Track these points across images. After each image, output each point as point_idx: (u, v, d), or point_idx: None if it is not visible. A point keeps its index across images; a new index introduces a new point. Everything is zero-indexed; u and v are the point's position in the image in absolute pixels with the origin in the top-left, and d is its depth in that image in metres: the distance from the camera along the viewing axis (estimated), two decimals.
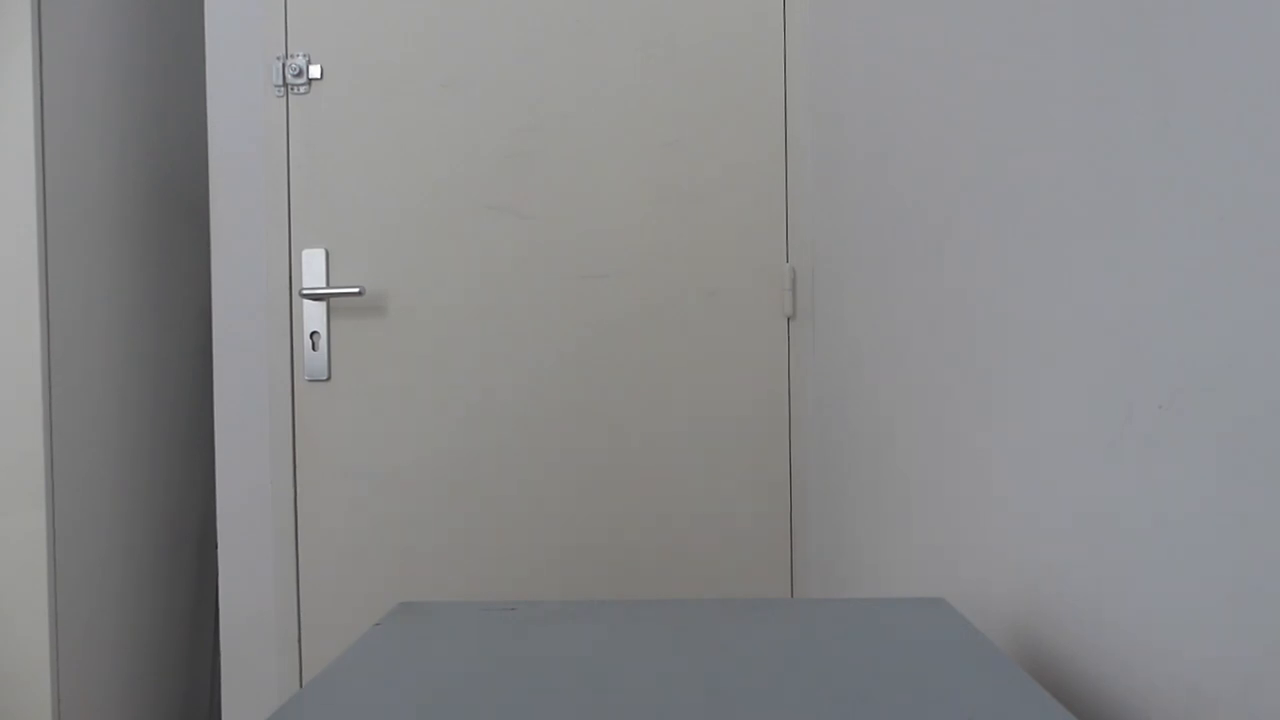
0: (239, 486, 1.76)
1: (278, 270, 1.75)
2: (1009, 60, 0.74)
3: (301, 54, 1.74)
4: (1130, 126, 0.54)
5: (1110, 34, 0.57)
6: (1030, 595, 0.69)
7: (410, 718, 0.47)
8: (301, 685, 1.78)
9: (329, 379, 1.75)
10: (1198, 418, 0.47)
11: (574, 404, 1.73)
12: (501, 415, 1.73)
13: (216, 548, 1.77)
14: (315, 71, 1.74)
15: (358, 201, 1.75)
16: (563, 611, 0.65)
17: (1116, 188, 0.56)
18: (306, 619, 1.74)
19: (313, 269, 1.74)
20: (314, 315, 1.74)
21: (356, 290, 1.70)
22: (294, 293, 1.75)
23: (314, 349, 1.74)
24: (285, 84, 1.75)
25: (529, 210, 1.73)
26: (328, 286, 1.73)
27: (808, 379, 1.70)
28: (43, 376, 1.59)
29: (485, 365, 1.74)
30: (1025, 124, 0.71)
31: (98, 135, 1.76)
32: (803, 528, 1.71)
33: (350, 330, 1.75)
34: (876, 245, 1.21)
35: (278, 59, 1.75)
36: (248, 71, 1.77)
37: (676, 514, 1.72)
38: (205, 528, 2.07)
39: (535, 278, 1.73)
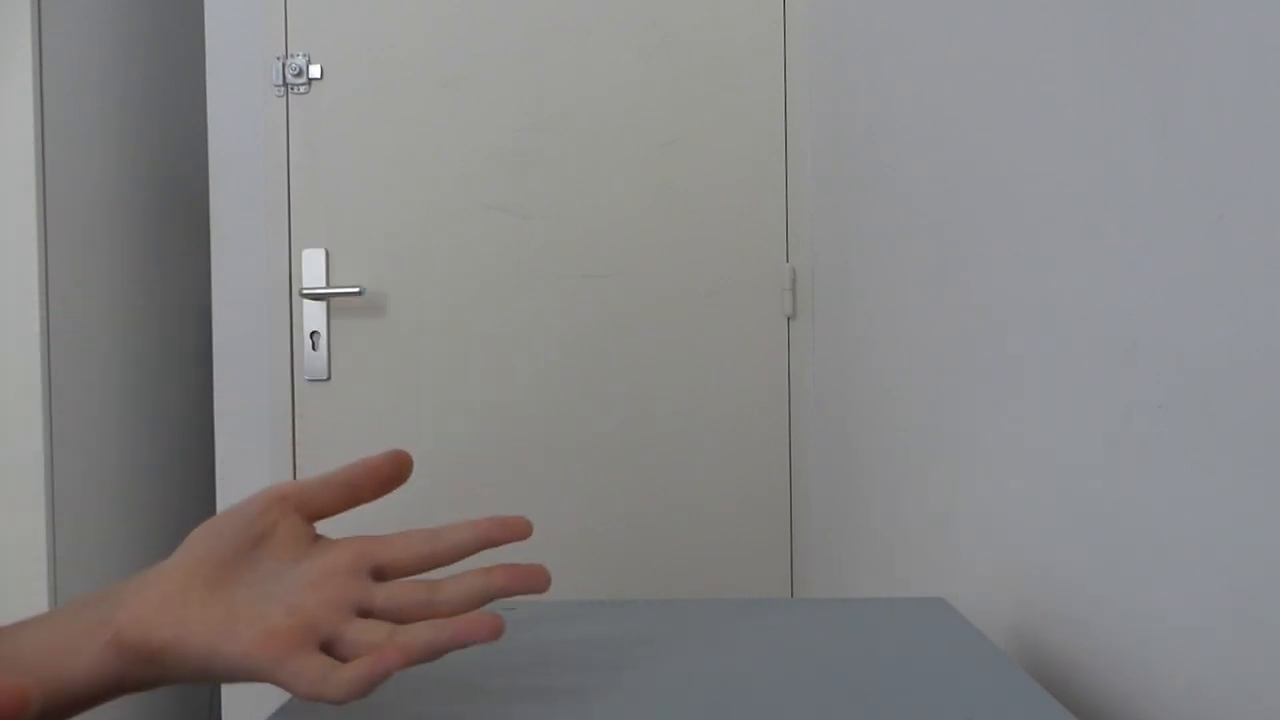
0: (239, 486, 1.76)
1: (278, 270, 1.75)
2: (1009, 59, 0.74)
3: (301, 54, 1.74)
4: (1130, 126, 0.54)
5: (1110, 34, 0.57)
6: (1030, 595, 0.69)
7: (410, 718, 0.47)
8: None
9: (329, 379, 1.75)
10: (1198, 418, 0.47)
11: (573, 404, 1.73)
12: (501, 415, 1.73)
13: None
14: (315, 71, 1.74)
15: (358, 201, 1.75)
16: (562, 611, 0.65)
17: (1116, 186, 0.56)
18: None
19: (313, 269, 1.74)
20: (314, 315, 1.74)
21: (356, 290, 1.70)
22: (294, 293, 1.75)
23: (314, 349, 1.74)
24: (285, 84, 1.75)
25: (529, 210, 1.73)
26: (328, 286, 1.73)
27: (808, 379, 1.70)
28: (43, 376, 1.59)
29: (485, 365, 1.73)
30: (1025, 123, 0.71)
31: (98, 135, 1.76)
32: (803, 528, 1.71)
33: (350, 330, 1.75)
34: (876, 245, 1.21)
35: (278, 59, 1.75)
36: (248, 71, 1.77)
37: (676, 514, 1.72)
38: None
39: (535, 278, 1.73)
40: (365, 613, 0.45)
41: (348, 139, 1.75)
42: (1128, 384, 0.55)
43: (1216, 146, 0.46)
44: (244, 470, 1.76)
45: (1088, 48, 0.60)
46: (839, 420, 1.46)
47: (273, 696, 1.76)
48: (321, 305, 1.74)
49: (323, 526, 0.51)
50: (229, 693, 1.77)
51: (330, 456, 1.74)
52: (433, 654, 0.43)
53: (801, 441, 1.71)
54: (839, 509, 1.46)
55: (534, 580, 0.47)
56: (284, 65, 1.75)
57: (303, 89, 1.75)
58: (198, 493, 2.05)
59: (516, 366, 1.73)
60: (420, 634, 0.43)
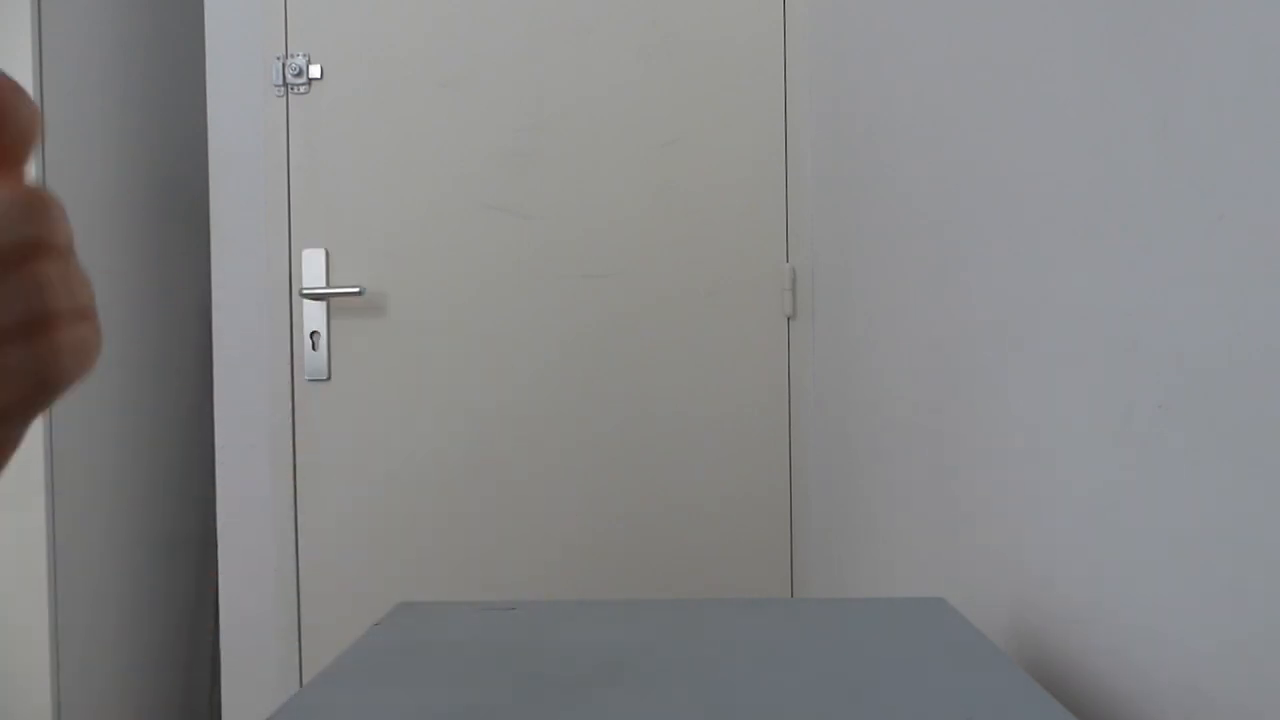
0: (239, 486, 1.76)
1: (278, 270, 1.75)
2: (1009, 60, 0.74)
3: (301, 54, 1.74)
4: (1130, 126, 0.54)
5: (1110, 34, 0.57)
6: (1030, 595, 0.69)
7: (410, 718, 0.47)
8: (301, 685, 1.78)
9: (329, 379, 1.74)
10: (1198, 418, 0.47)
11: (573, 404, 1.73)
12: (501, 415, 1.73)
13: (216, 548, 1.77)
14: (315, 71, 1.74)
15: (358, 201, 1.75)
16: (562, 611, 0.65)
17: (1116, 186, 0.56)
18: (306, 619, 1.74)
19: (313, 269, 1.74)
20: (314, 315, 1.74)
21: (356, 290, 1.70)
22: (294, 293, 1.75)
23: (314, 349, 1.74)
24: (285, 84, 1.75)
25: (529, 210, 1.73)
26: (328, 286, 1.73)
27: (808, 379, 1.70)
28: None
29: (485, 365, 1.73)
30: (1026, 123, 0.71)
31: (98, 135, 1.76)
32: (803, 528, 1.71)
33: (350, 330, 1.74)
34: (877, 245, 1.21)
35: (278, 59, 1.75)
36: (248, 71, 1.77)
37: (676, 514, 1.72)
38: (205, 528, 2.07)
39: (535, 278, 1.73)
40: None
41: (348, 139, 1.75)
42: (1128, 384, 0.55)
43: (1216, 146, 0.46)
44: (244, 470, 1.76)
45: (1088, 48, 0.60)
46: (839, 420, 1.46)
47: (272, 696, 1.76)
48: (321, 305, 1.74)
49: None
50: (229, 692, 1.77)
51: (330, 456, 1.74)
52: None
53: (801, 441, 1.71)
54: (839, 509, 1.46)
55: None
56: (284, 65, 1.75)
57: (303, 89, 1.75)
58: (198, 492, 2.05)
59: (516, 366, 1.73)
60: None
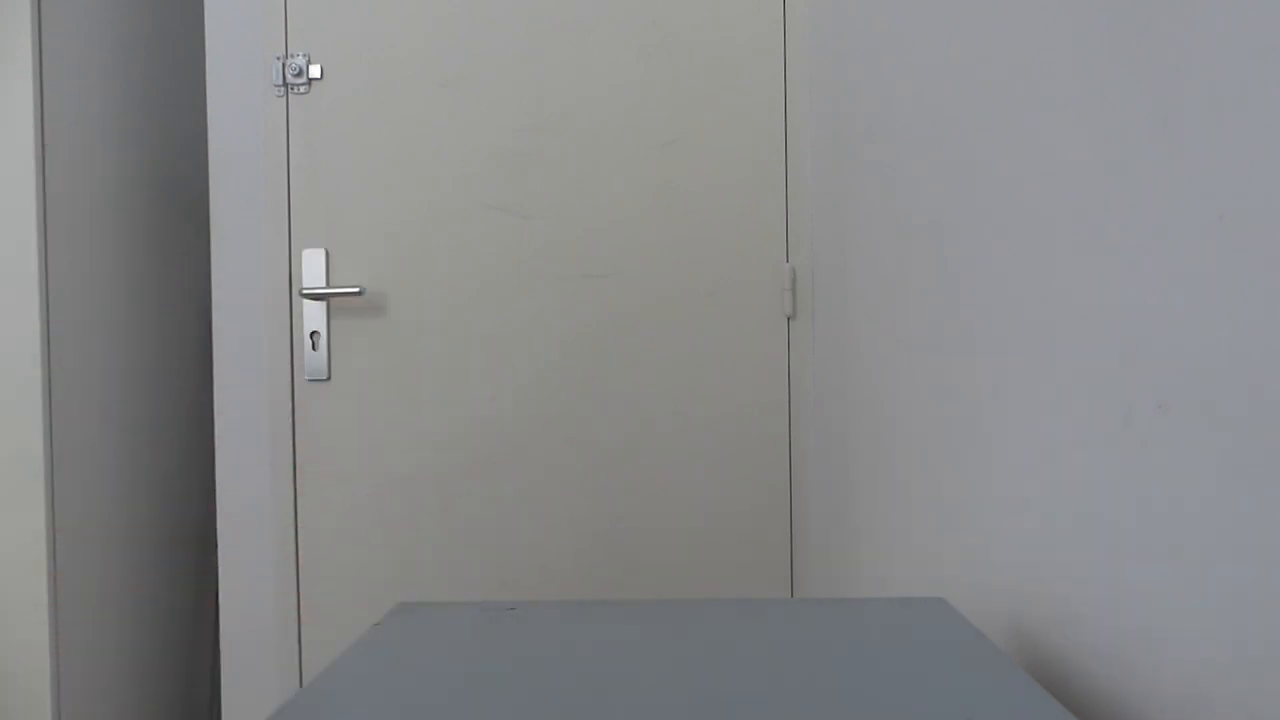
0: (239, 486, 1.76)
1: (278, 270, 1.75)
2: (1009, 60, 0.74)
3: (301, 54, 1.74)
4: (1130, 126, 0.54)
5: (1110, 34, 0.57)
6: (1030, 595, 0.69)
7: (410, 718, 0.47)
8: (301, 685, 1.78)
9: (329, 379, 1.75)
10: (1197, 418, 0.47)
11: (573, 404, 1.73)
12: (501, 415, 1.73)
13: (216, 548, 1.77)
14: (315, 71, 1.74)
15: (358, 201, 1.75)
16: (562, 611, 0.65)
17: (1116, 186, 0.56)
18: (306, 619, 1.74)
19: (313, 269, 1.74)
20: (314, 315, 1.74)
21: (356, 290, 1.70)
22: (294, 293, 1.75)
23: (314, 349, 1.74)
24: (285, 84, 1.75)
25: (529, 210, 1.73)
26: (328, 286, 1.73)
27: (808, 379, 1.70)
28: (43, 376, 1.59)
29: (485, 365, 1.73)
30: (1026, 123, 0.71)
31: (98, 135, 1.76)
32: (803, 528, 1.71)
33: (350, 330, 1.75)
34: (876, 245, 1.21)
35: (278, 59, 1.75)
36: (248, 71, 1.77)
37: (676, 514, 1.72)
38: (205, 528, 2.07)
39: (535, 278, 1.73)
40: None
41: (348, 139, 1.75)
42: (1128, 384, 0.55)
43: (1216, 146, 0.46)
44: (244, 470, 1.76)
45: (1088, 48, 0.60)
46: (839, 420, 1.46)
47: (272, 696, 1.76)
48: (321, 305, 1.74)
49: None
50: (229, 692, 1.77)
51: (330, 456, 1.74)
52: None
53: (801, 441, 1.71)
54: (839, 509, 1.46)
55: None
56: (284, 65, 1.75)
57: (303, 89, 1.75)
58: (198, 492, 2.05)
59: (516, 366, 1.73)
60: None
